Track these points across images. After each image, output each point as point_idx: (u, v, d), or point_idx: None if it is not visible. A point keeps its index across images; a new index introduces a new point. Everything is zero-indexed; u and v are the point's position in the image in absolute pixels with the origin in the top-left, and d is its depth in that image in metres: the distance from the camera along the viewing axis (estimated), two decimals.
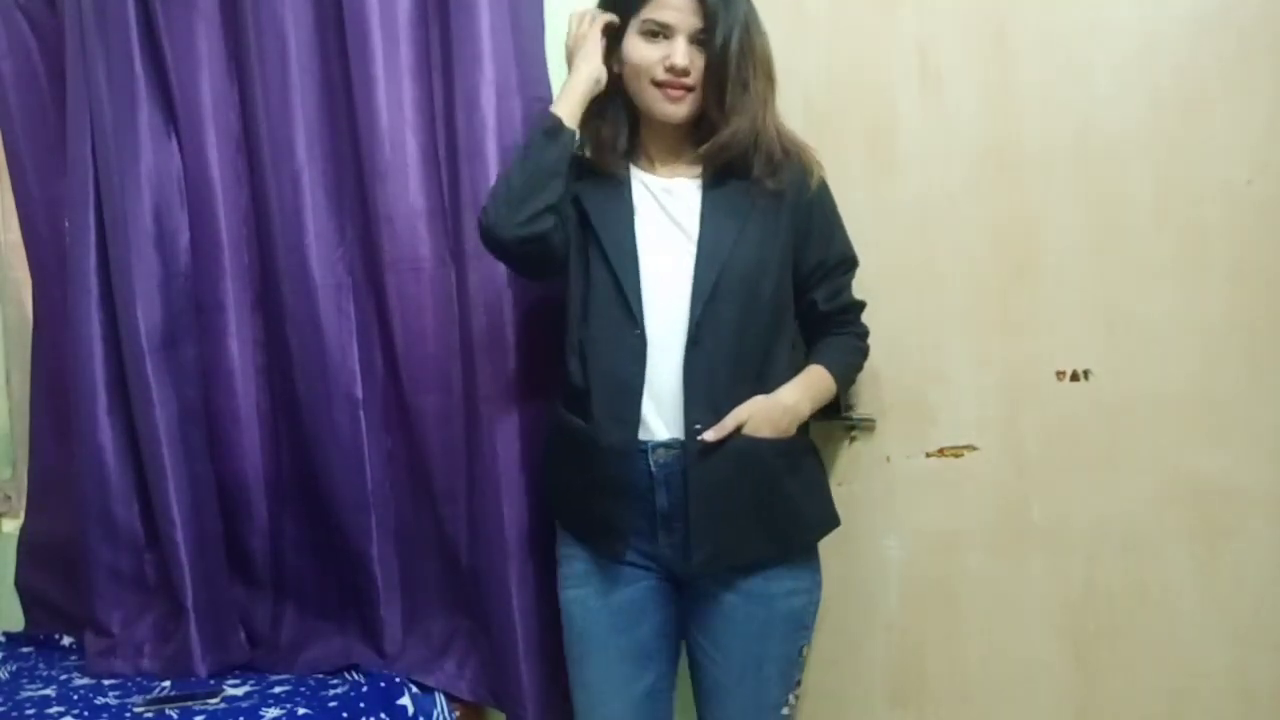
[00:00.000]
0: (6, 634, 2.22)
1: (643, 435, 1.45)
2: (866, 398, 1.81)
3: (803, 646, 1.54)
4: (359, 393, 1.87)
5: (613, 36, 1.50)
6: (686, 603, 1.54)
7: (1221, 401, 1.61)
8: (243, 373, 1.98)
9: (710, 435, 1.41)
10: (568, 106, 1.47)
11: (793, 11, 1.81)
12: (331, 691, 1.77)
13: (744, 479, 1.43)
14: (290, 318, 1.89)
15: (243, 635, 1.97)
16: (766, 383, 1.47)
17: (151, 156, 1.94)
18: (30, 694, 1.84)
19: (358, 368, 1.87)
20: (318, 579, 1.97)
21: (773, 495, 1.46)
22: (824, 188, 1.55)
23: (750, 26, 1.44)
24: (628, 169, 1.53)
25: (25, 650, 2.14)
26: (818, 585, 1.56)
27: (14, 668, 2.02)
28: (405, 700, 1.77)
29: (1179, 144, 1.61)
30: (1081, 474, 1.69)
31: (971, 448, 1.75)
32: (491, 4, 1.72)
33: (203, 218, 1.96)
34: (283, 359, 1.93)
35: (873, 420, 1.81)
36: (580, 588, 1.55)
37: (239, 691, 1.80)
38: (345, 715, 1.68)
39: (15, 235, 2.25)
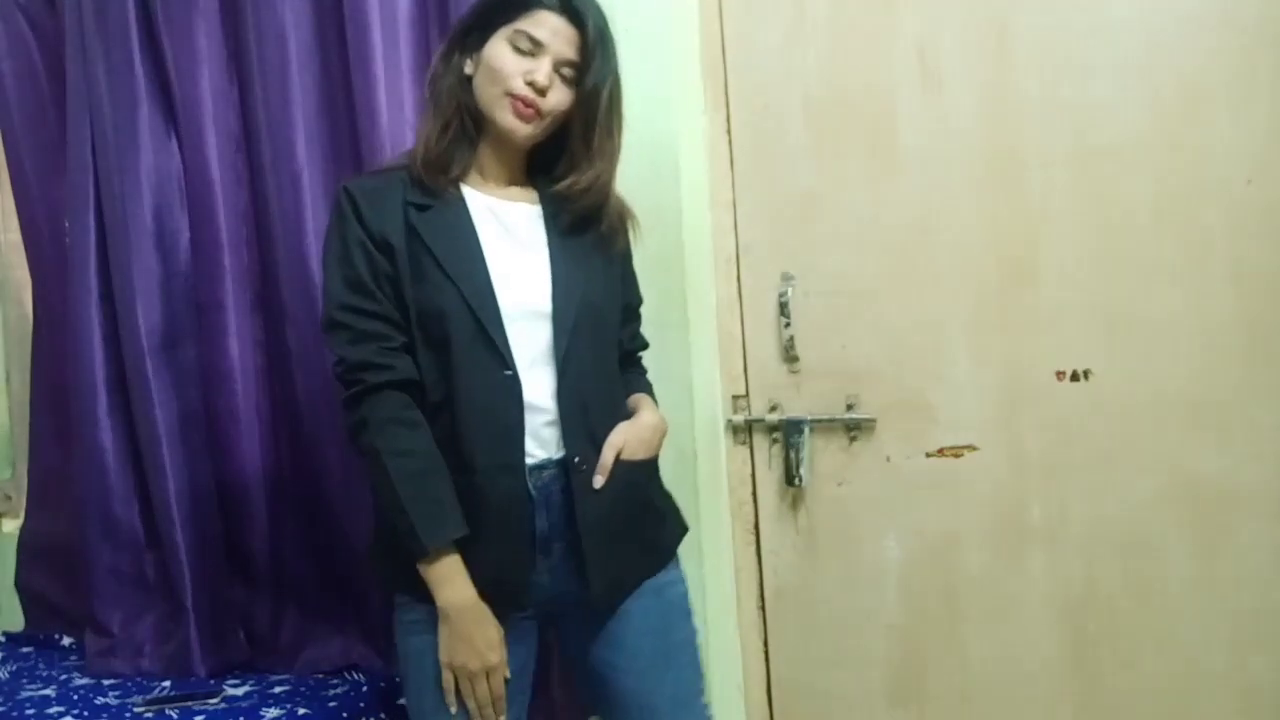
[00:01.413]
0: (6, 634, 2.22)
1: (524, 459, 1.38)
2: (866, 398, 1.81)
3: (696, 634, 1.52)
4: None
5: (474, 40, 1.44)
6: (579, 627, 1.47)
7: (1221, 401, 1.61)
8: (243, 373, 1.97)
9: (599, 481, 1.39)
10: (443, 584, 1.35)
11: (793, 11, 1.81)
12: (331, 691, 1.77)
13: (626, 503, 1.42)
14: (290, 318, 1.89)
15: (243, 635, 1.96)
16: (620, 413, 1.46)
17: (151, 156, 1.94)
18: (30, 694, 1.84)
19: None
20: (318, 579, 1.97)
21: (647, 512, 1.47)
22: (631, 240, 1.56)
23: (619, 85, 1.43)
24: (458, 186, 1.44)
25: (25, 650, 2.13)
26: (685, 575, 1.53)
27: (14, 668, 2.01)
28: (405, 700, 1.77)
29: (1179, 144, 1.61)
30: (1081, 474, 1.69)
31: (971, 448, 1.75)
32: None
33: (203, 218, 1.95)
34: (283, 359, 1.93)
35: (873, 420, 1.81)
36: (431, 633, 1.38)
37: (239, 691, 1.80)
38: (345, 715, 1.68)
39: (15, 235, 2.24)
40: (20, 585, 2.24)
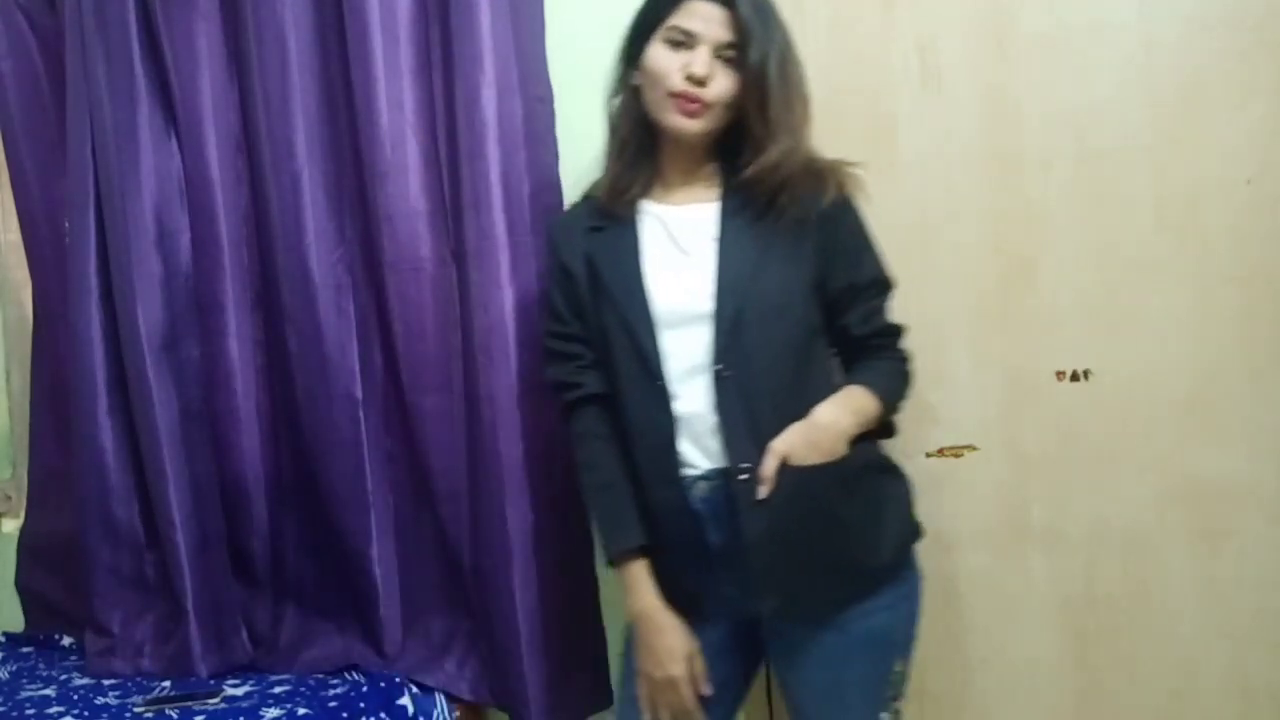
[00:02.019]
0: (6, 634, 2.22)
1: (681, 471, 1.37)
2: None
3: (894, 664, 1.42)
4: (359, 393, 1.86)
5: (636, 50, 1.44)
6: (762, 637, 1.45)
7: (1221, 401, 1.61)
8: (242, 373, 1.97)
9: (763, 492, 1.31)
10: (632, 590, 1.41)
11: (793, 11, 1.80)
12: (331, 691, 1.77)
13: (799, 516, 1.32)
14: (290, 318, 1.89)
15: (243, 635, 1.96)
16: (806, 411, 1.36)
17: (151, 156, 1.94)
18: (30, 694, 1.84)
19: (357, 368, 1.87)
20: (318, 579, 1.97)
21: (832, 527, 1.34)
22: (851, 208, 1.44)
23: (789, 53, 1.38)
24: (636, 203, 1.46)
25: (25, 650, 2.13)
26: (905, 598, 1.44)
27: (14, 668, 2.02)
28: (405, 700, 1.77)
29: (1179, 144, 1.61)
30: (1081, 474, 1.69)
31: (971, 448, 1.75)
32: (492, 4, 1.72)
33: (203, 218, 1.95)
34: (283, 359, 1.93)
35: None
36: None
37: (239, 691, 1.80)
38: (345, 715, 1.68)
39: (15, 235, 2.24)
40: (20, 585, 2.24)
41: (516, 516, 1.73)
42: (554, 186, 1.77)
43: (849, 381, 1.43)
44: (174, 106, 1.94)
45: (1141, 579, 1.67)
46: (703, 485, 1.36)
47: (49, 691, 1.85)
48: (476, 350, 1.75)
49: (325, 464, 1.88)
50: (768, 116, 1.36)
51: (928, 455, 1.78)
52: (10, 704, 1.78)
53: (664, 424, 1.36)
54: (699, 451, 1.36)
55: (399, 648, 1.88)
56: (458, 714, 1.84)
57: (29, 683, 1.92)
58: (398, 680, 1.80)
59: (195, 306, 1.97)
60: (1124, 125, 1.63)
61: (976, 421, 1.75)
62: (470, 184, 1.73)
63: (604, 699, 1.80)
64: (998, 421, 1.73)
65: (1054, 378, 1.70)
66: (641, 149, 1.45)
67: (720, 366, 1.34)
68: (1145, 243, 1.64)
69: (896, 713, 1.43)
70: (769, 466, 1.32)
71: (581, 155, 1.76)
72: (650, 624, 1.37)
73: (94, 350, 1.98)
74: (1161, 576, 1.66)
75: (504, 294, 1.73)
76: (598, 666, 1.81)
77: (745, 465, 1.32)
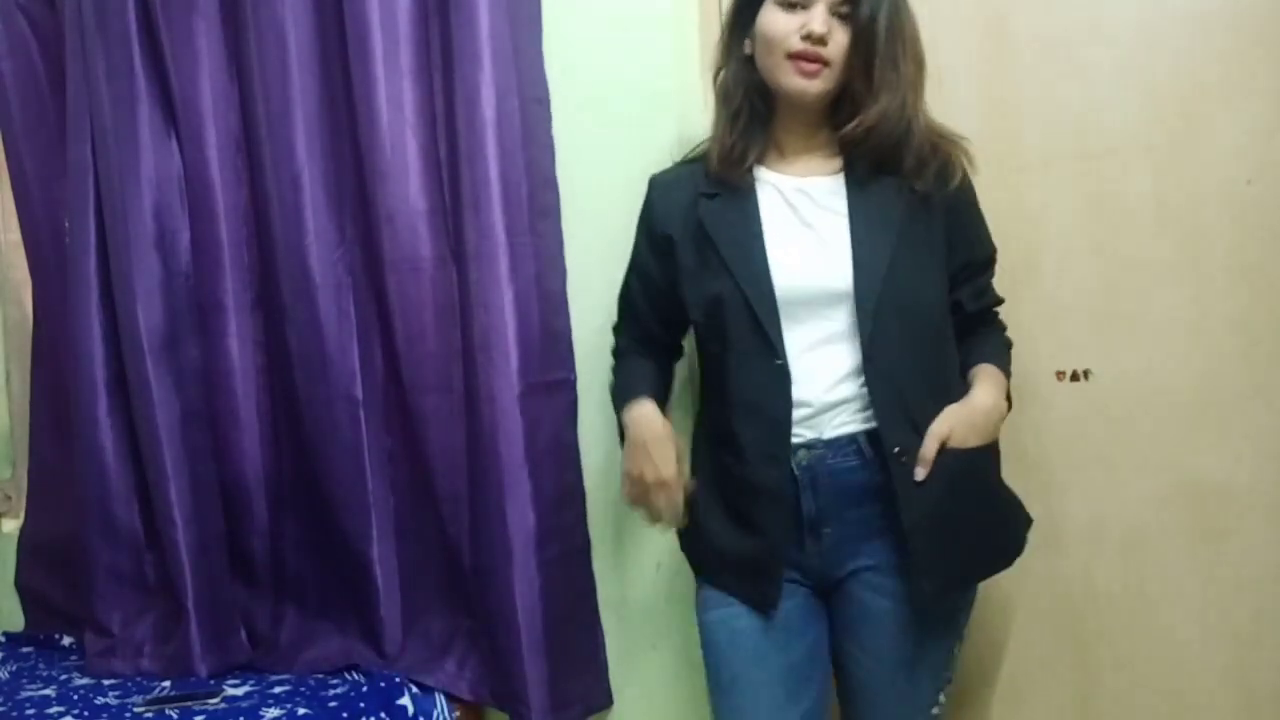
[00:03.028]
0: (6, 634, 2.22)
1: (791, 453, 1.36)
2: None
3: (954, 644, 1.45)
4: (359, 393, 1.86)
5: (746, 17, 1.41)
6: (829, 608, 1.45)
7: (1221, 401, 1.61)
8: (243, 373, 1.97)
9: (920, 474, 1.31)
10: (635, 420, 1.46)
11: None
12: (331, 691, 1.77)
13: (960, 497, 1.32)
14: (290, 318, 1.89)
15: (243, 635, 1.97)
16: (950, 391, 1.37)
17: (151, 156, 1.94)
18: (30, 694, 1.84)
19: (358, 368, 1.87)
20: (318, 579, 1.97)
21: (987, 507, 1.37)
22: (972, 186, 1.44)
23: (899, 7, 1.35)
24: (752, 172, 1.42)
25: (25, 650, 2.13)
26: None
27: (14, 668, 2.02)
28: (405, 700, 1.77)
29: (1179, 144, 1.61)
30: (1081, 474, 1.69)
31: None
32: (491, 4, 1.72)
33: (203, 218, 1.95)
34: (283, 359, 1.93)
35: None
36: (724, 606, 1.42)
37: (239, 691, 1.80)
38: (345, 715, 1.68)
39: (15, 235, 2.25)
40: (20, 585, 2.24)
41: (516, 516, 1.73)
42: (551, 186, 1.77)
43: (972, 356, 1.44)
44: (174, 107, 1.95)
45: (1141, 579, 1.67)
46: (803, 454, 1.35)
47: (49, 691, 1.86)
48: (476, 350, 1.75)
49: (325, 464, 1.89)
50: (871, 74, 1.34)
51: None
52: (10, 704, 1.78)
53: (780, 404, 1.34)
54: (808, 431, 1.36)
55: (399, 648, 1.88)
56: (458, 714, 1.84)
57: (29, 683, 1.92)
58: (398, 680, 1.80)
59: (195, 307, 1.97)
60: (1124, 125, 1.63)
61: None
62: (470, 183, 1.73)
63: (604, 699, 1.80)
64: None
65: (1054, 378, 1.70)
66: (755, 116, 1.42)
67: (866, 350, 1.33)
68: (1145, 243, 1.63)
69: (948, 695, 1.46)
70: (929, 449, 1.32)
71: (576, 157, 1.77)
72: (645, 427, 1.41)
73: (94, 350, 1.98)
74: (1161, 576, 1.66)
75: (504, 293, 1.73)
76: (598, 666, 1.81)
77: (898, 448, 1.32)
